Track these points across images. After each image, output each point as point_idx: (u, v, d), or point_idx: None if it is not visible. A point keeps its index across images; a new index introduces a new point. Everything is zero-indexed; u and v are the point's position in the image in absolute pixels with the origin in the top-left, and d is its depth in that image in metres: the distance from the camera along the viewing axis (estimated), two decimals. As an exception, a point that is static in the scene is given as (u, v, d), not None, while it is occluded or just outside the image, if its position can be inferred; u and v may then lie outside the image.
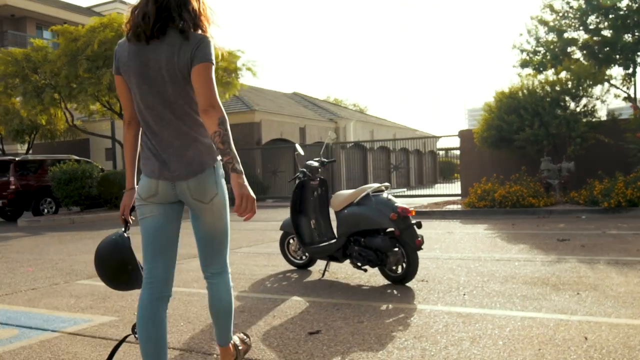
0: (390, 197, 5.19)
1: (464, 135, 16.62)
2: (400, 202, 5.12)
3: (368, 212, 5.14)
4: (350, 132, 29.58)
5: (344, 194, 5.48)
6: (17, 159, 16.98)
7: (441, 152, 29.53)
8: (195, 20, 2.40)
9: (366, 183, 30.96)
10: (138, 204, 2.54)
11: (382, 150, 28.31)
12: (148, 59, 2.37)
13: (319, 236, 5.76)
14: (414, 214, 5.04)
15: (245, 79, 20.72)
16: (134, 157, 2.61)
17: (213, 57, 2.34)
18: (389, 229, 5.05)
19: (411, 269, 5.01)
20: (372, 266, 5.13)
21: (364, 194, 5.25)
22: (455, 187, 18.02)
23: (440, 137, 20.78)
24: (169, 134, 2.42)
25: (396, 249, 5.02)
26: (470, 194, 13.17)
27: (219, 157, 2.46)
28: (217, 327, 2.70)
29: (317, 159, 5.96)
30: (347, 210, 5.33)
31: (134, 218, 2.65)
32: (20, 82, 16.25)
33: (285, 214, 7.70)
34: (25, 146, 25.10)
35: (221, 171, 2.51)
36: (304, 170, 5.76)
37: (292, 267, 6.26)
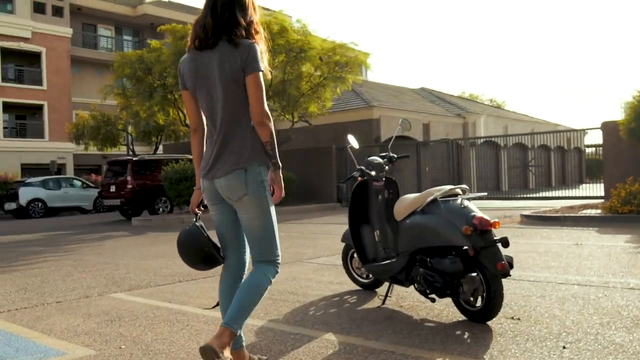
0: (466, 203, 3.83)
1: (608, 127, 14.19)
2: (479, 211, 3.76)
3: (434, 223, 3.84)
4: (481, 128, 27.36)
5: (408, 198, 4.21)
6: (134, 159, 17.40)
7: (589, 149, 26.37)
8: (246, 33, 2.66)
9: (498, 184, 28.46)
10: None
11: (517, 147, 25.80)
12: (204, 66, 2.67)
13: (385, 251, 4.53)
14: (497, 227, 3.65)
15: (371, 74, 19.58)
16: (200, 160, 2.84)
17: (261, 65, 2.62)
18: (464, 247, 3.72)
19: (493, 303, 3.62)
20: (440, 296, 3.82)
21: (430, 198, 3.94)
22: (598, 189, 15.50)
23: (580, 130, 18.23)
24: (221, 137, 2.69)
25: (474, 274, 3.67)
26: (612, 196, 11.00)
27: (259, 162, 2.70)
28: (233, 303, 2.68)
29: (383, 154, 4.74)
30: (408, 221, 4.06)
31: (202, 208, 2.92)
32: (135, 83, 16.59)
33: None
34: (154, 147, 26.13)
35: (258, 176, 2.68)
36: (363, 168, 4.57)
37: (357, 287, 5.08)
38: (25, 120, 35.97)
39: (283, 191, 2.72)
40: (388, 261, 4.33)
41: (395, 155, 4.71)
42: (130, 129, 24.50)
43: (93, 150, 26.40)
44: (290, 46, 15.89)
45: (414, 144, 22.48)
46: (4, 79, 34.50)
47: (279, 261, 2.80)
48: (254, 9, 2.74)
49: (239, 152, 2.65)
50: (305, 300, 4.67)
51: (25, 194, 22.39)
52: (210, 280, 5.69)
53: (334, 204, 19.01)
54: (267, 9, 16.26)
